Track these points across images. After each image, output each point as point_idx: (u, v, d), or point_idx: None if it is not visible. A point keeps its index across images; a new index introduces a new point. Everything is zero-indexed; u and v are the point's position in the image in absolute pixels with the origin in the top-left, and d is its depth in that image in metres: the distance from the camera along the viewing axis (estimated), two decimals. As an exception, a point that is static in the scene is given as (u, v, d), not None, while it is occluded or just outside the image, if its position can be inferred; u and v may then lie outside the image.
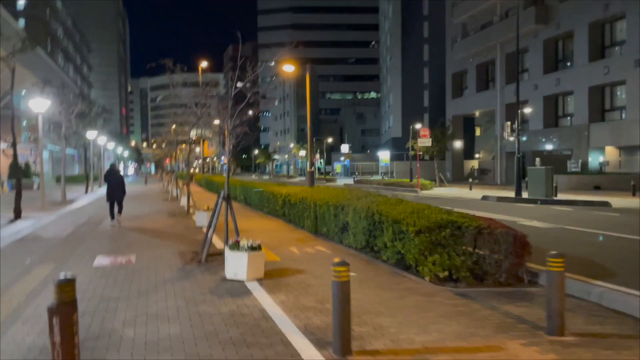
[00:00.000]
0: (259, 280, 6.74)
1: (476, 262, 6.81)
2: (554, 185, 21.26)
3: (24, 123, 38.70)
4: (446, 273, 6.70)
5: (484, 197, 22.92)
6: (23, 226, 12.86)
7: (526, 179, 22.87)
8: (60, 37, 62.43)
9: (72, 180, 43.44)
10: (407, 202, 8.73)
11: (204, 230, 12.07)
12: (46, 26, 53.88)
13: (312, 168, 18.70)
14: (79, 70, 77.40)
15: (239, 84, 8.59)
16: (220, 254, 8.62)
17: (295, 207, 12.69)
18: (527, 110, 32.01)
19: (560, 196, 21.47)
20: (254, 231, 11.82)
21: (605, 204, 18.70)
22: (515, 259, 6.72)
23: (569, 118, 32.88)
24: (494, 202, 21.57)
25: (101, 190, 32.41)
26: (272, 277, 6.95)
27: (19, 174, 15.07)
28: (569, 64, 32.59)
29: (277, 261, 8.14)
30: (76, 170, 56.92)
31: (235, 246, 6.80)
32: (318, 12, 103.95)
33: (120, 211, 13.83)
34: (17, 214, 14.45)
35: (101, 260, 8.31)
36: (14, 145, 14.69)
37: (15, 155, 14.89)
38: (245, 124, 8.81)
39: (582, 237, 11.01)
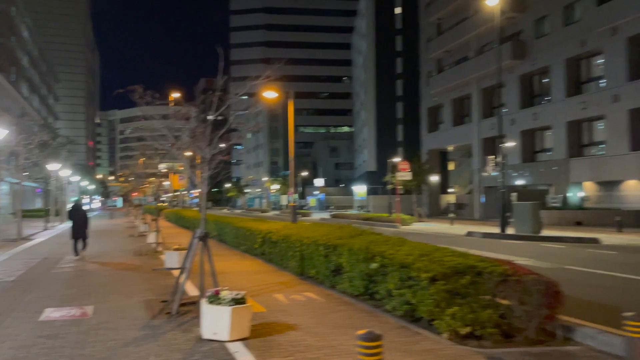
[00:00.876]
0: (244, 340, 5.52)
1: (502, 315, 5.77)
2: (540, 221, 20.62)
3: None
4: (468, 329, 5.61)
5: (469, 233, 22.10)
6: (-35, 268, 11.29)
7: (508, 214, 22.16)
8: (26, 67, 60.55)
9: (33, 215, 41.11)
10: (410, 242, 7.67)
11: (174, 273, 10.75)
12: (11, 55, 52.09)
13: (295, 202, 17.53)
14: (45, 101, 75.17)
15: (211, 117, 7.61)
16: (195, 303, 7.36)
17: (277, 246, 11.49)
18: (509, 144, 31.75)
19: (545, 232, 20.80)
20: (231, 273, 10.56)
21: (595, 241, 18.08)
22: (548, 312, 5.71)
23: (547, 153, 32.76)
24: (480, 238, 20.74)
25: (63, 226, 30.45)
26: (259, 335, 5.73)
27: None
28: (546, 99, 32.68)
29: (262, 312, 6.92)
30: (38, 204, 54.32)
31: (215, 298, 5.59)
32: (292, 46, 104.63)
33: (84, 247, 13.82)
34: (-39, 254, 12.83)
35: (50, 314, 6.93)
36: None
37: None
38: (225, 152, 7.70)
39: (589, 278, 10.14)
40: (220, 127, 7.73)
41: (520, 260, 12.37)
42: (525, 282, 5.71)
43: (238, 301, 5.58)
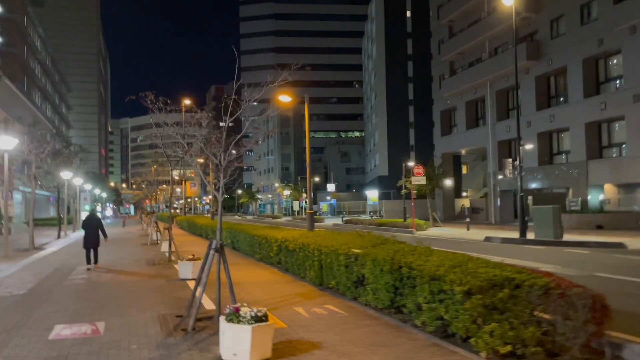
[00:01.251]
0: (266, 361, 5.12)
1: (544, 332, 5.32)
2: (561, 225, 20.02)
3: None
4: (509, 347, 5.17)
5: (487, 238, 21.55)
6: (-25, 281, 11.01)
7: (526, 218, 21.57)
8: (37, 76, 60.94)
9: (47, 223, 41.16)
10: (439, 251, 7.25)
11: (189, 284, 10.40)
12: (23, 64, 52.42)
13: (312, 209, 17.13)
14: (57, 110, 75.66)
15: (226, 123, 7.29)
16: (211, 318, 7.00)
17: (294, 255, 11.10)
18: (527, 147, 31.07)
19: (566, 237, 20.20)
20: (247, 284, 10.18)
21: (621, 245, 17.48)
22: (595, 328, 5.25)
23: (564, 155, 32.07)
24: (499, 243, 20.20)
25: (75, 235, 30.30)
26: (281, 355, 5.33)
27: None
28: (562, 100, 32.04)
29: (283, 329, 6.52)
30: (51, 212, 54.48)
31: (235, 316, 5.19)
32: (301, 52, 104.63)
33: (96, 260, 13.61)
34: (-28, 266, 12.58)
35: (60, 331, 6.58)
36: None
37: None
38: (240, 158, 7.37)
39: (623, 287, 9.61)
40: (233, 134, 7.40)
41: (546, 268, 11.87)
42: (570, 295, 5.25)
43: (259, 319, 5.18)
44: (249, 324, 5.11)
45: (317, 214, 67.04)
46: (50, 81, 70.57)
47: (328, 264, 9.14)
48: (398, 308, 6.94)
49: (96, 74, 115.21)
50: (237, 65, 7.17)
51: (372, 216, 50.52)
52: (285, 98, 12.59)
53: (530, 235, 20.35)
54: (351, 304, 8.00)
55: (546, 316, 5.42)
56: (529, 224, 21.08)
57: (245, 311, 5.22)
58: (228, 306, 5.43)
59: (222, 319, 5.33)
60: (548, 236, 19.37)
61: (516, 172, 21.83)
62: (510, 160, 22.28)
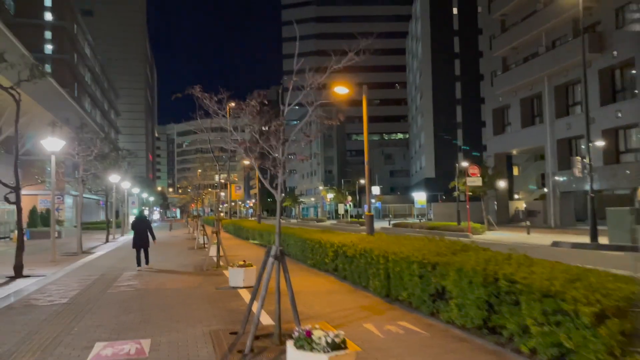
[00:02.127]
0: (347, 400, 4.09)
1: None
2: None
3: (48, 168, 37.20)
4: (661, 390, 3.97)
5: (555, 243, 19.88)
6: (18, 288, 10.47)
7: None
8: (87, 82, 62.32)
9: (96, 227, 41.67)
10: (542, 261, 6.06)
11: (240, 293, 9.53)
12: (73, 71, 53.58)
13: (370, 210, 16.05)
14: (106, 116, 77.39)
15: (266, 126, 6.49)
16: (270, 335, 6.04)
17: (354, 262, 10.06)
18: (598, 144, 28.79)
19: (643, 241, 18.31)
20: (303, 293, 9.21)
21: None
22: None
23: (633, 154, 29.73)
24: (569, 249, 18.54)
25: (123, 239, 30.27)
26: (363, 390, 4.29)
27: (20, 224, 12.82)
28: (630, 94, 29.74)
29: (357, 353, 5.47)
30: (101, 216, 55.43)
31: (306, 342, 4.20)
32: (344, 54, 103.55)
33: (147, 261, 13.97)
34: (18, 271, 12.13)
35: (101, 351, 5.76)
36: (16, 189, 12.49)
37: (18, 202, 12.65)
38: (302, 151, 6.44)
39: None
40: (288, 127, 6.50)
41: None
42: None
43: (336, 346, 4.17)
44: (325, 352, 4.10)
45: (363, 217, 65.67)
46: (99, 88, 72.23)
47: (397, 273, 8.05)
48: (493, 328, 5.79)
49: (143, 80, 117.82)
50: (296, 42, 6.21)
51: (420, 219, 48.85)
52: (341, 89, 11.64)
53: (602, 240, 18.65)
54: (429, 320, 6.89)
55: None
56: (599, 227, 19.33)
57: (318, 335, 4.22)
58: (296, 329, 4.44)
59: (289, 344, 4.35)
60: (624, 240, 17.68)
61: (585, 172, 20.11)
62: (579, 158, 20.55)
